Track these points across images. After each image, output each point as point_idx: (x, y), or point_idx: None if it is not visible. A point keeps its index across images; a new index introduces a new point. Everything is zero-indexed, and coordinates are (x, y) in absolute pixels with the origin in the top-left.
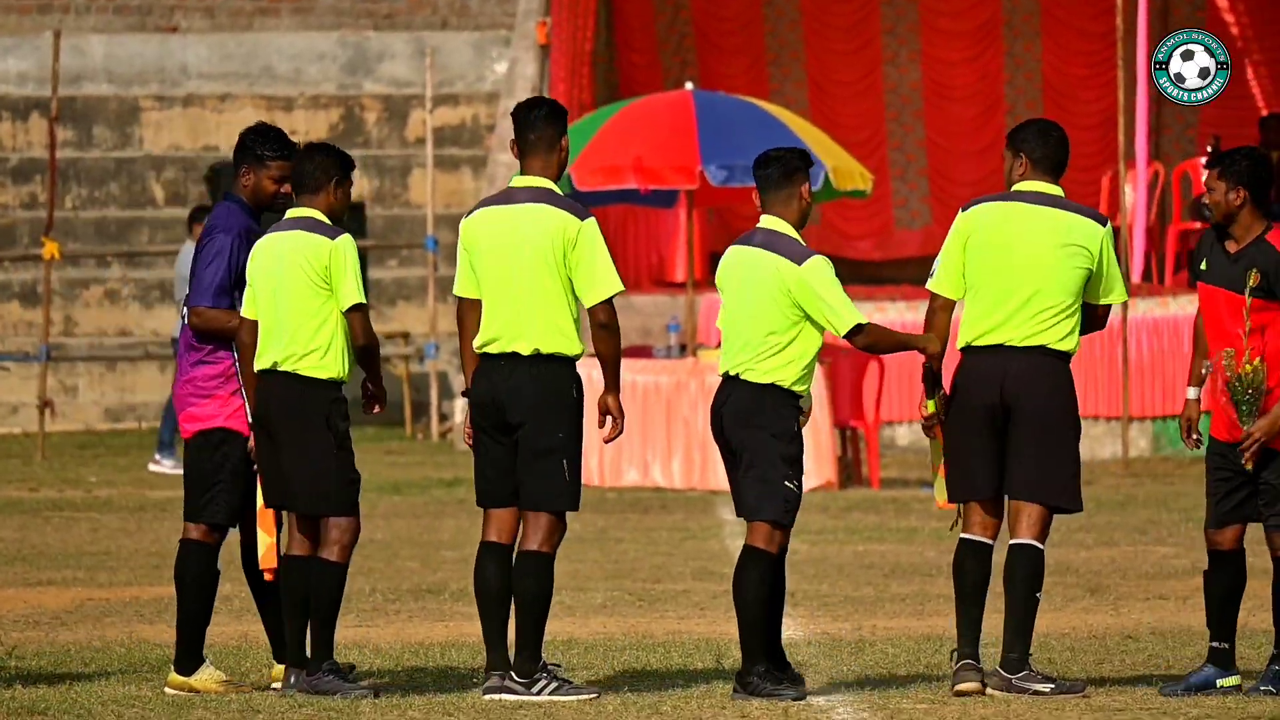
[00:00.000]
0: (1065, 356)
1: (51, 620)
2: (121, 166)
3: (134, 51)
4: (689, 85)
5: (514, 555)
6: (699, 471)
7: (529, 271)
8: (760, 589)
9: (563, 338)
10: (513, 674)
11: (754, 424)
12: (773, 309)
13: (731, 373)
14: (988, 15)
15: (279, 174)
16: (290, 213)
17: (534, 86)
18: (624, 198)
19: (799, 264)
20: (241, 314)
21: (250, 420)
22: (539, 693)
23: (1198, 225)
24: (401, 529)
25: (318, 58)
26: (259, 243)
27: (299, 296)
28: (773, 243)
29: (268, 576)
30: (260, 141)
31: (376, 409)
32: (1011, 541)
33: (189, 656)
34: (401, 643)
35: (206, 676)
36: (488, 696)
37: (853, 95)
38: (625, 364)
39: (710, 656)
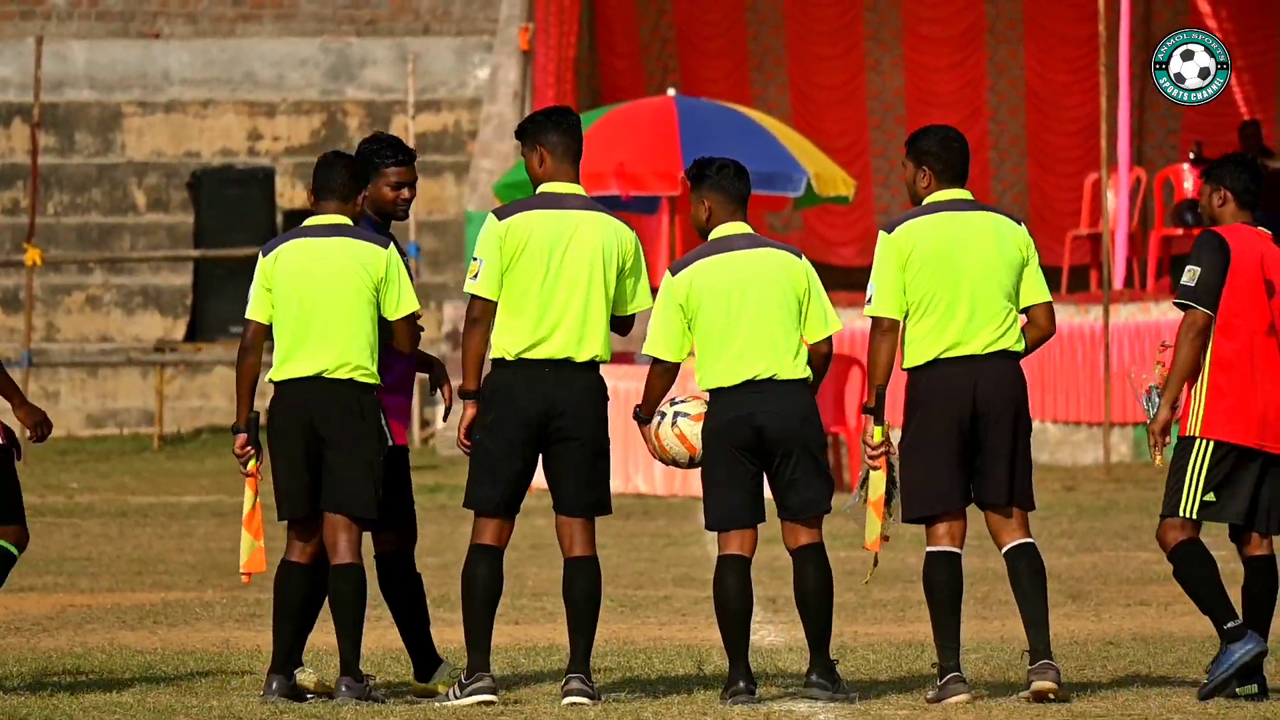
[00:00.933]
0: (1019, 357)
1: (33, 626)
2: (103, 173)
3: (116, 57)
4: (671, 91)
5: (564, 563)
6: (680, 478)
7: (596, 278)
8: (831, 584)
9: (608, 345)
10: (584, 678)
11: (808, 420)
12: (791, 305)
13: (762, 376)
14: (970, 21)
15: (398, 180)
16: (318, 219)
17: (516, 92)
18: (606, 203)
19: (799, 258)
20: (251, 317)
21: (265, 427)
22: (601, 697)
23: (1180, 231)
24: None
25: (300, 64)
26: (283, 247)
27: (356, 304)
28: (762, 242)
29: (245, 580)
30: (377, 149)
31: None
32: (1012, 544)
33: (424, 661)
34: (383, 648)
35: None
36: (480, 698)
37: (835, 101)
38: (609, 370)
39: (691, 663)
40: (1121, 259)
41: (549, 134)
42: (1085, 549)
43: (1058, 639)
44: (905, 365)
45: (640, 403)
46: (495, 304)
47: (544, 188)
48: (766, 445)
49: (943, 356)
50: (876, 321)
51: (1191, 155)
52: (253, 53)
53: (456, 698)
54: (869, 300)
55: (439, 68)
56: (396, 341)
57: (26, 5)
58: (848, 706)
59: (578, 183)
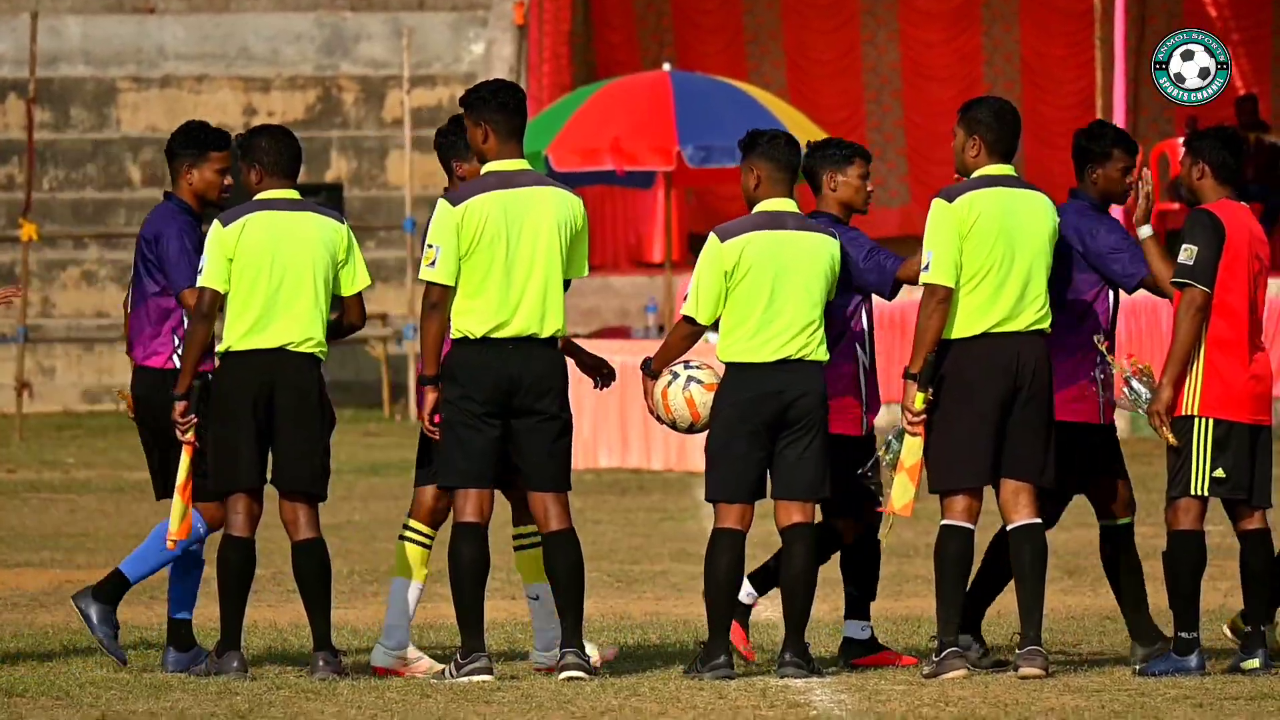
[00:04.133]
0: (1047, 337)
1: (29, 602)
2: (99, 148)
3: (111, 33)
4: (666, 66)
5: (543, 538)
6: (676, 453)
7: (555, 253)
8: (816, 568)
9: (565, 319)
10: (578, 652)
11: (826, 401)
12: (826, 288)
13: (794, 356)
14: None
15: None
16: (274, 193)
17: (511, 67)
18: (601, 179)
19: (836, 239)
20: (210, 285)
21: (210, 394)
22: (597, 671)
23: (1175, 206)
24: (379, 510)
25: (295, 38)
26: (249, 219)
27: (323, 280)
28: (808, 225)
29: (170, 546)
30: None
31: None
32: (1019, 523)
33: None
34: (379, 624)
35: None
36: (477, 678)
37: (831, 75)
38: (604, 344)
39: (688, 637)
40: None
41: (493, 112)
42: (1081, 525)
43: (1055, 614)
44: (949, 335)
45: (652, 355)
46: (453, 289)
47: (491, 166)
48: (788, 423)
49: (991, 331)
50: (932, 289)
51: (1187, 130)
52: (247, 27)
53: (453, 677)
54: (925, 267)
55: (434, 42)
56: (349, 316)
57: None
58: (844, 680)
59: (523, 157)
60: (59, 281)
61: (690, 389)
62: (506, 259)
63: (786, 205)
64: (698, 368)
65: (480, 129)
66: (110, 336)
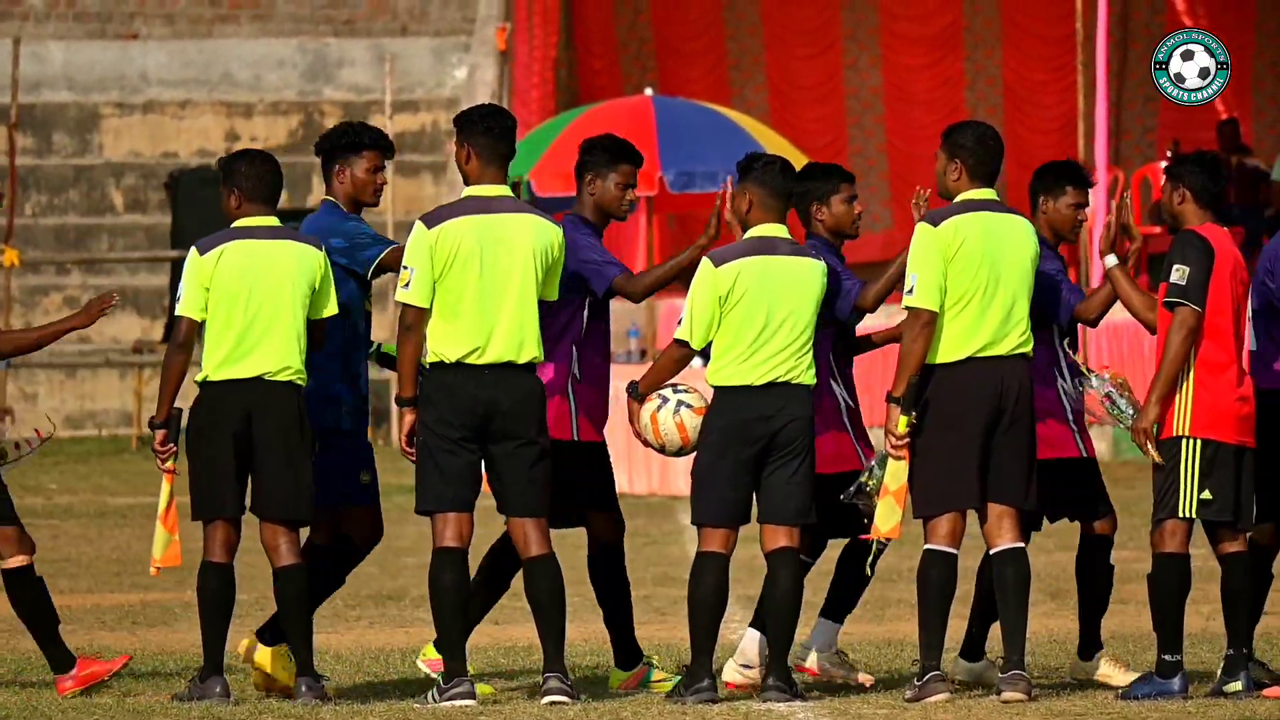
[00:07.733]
0: (1030, 361)
1: (11, 628)
2: (81, 174)
3: (94, 58)
4: (649, 91)
5: (524, 563)
6: (659, 477)
7: (528, 280)
8: (801, 592)
9: (541, 345)
10: (561, 677)
11: (814, 426)
12: (814, 312)
13: (782, 379)
14: (948, 20)
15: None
16: (252, 220)
17: (493, 92)
18: None
19: (822, 262)
20: (186, 314)
21: (187, 426)
22: (580, 696)
23: (1158, 229)
24: None
25: (277, 64)
26: (226, 248)
27: (300, 309)
28: (800, 250)
29: (155, 573)
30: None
31: None
32: (1002, 547)
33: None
34: (362, 649)
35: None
36: (460, 703)
37: (814, 100)
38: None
39: (672, 661)
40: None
41: (478, 135)
42: (1064, 547)
43: (1037, 636)
44: (934, 360)
45: (639, 379)
46: (428, 311)
47: (471, 190)
48: (776, 447)
49: (976, 355)
50: (916, 313)
51: (1169, 154)
52: (230, 53)
53: (436, 702)
54: (909, 291)
55: (416, 68)
56: (315, 340)
57: (3, 6)
58: (827, 704)
59: (505, 183)
60: (41, 307)
61: (681, 413)
62: (480, 283)
63: (778, 231)
64: (685, 391)
65: (464, 150)
66: (92, 362)
